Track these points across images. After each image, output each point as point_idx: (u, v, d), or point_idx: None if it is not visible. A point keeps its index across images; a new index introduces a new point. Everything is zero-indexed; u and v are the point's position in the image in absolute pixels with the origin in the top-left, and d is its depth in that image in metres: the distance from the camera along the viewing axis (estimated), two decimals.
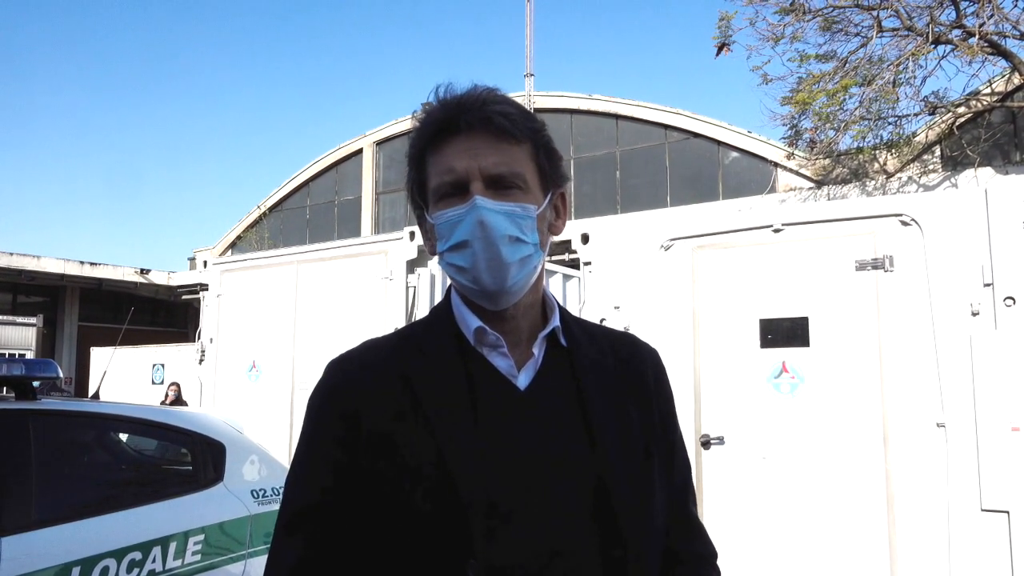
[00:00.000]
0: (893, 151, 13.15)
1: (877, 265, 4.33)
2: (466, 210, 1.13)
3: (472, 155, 1.13)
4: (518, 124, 1.15)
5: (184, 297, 20.70)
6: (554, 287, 6.83)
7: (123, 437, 3.99)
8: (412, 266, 6.32)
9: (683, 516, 1.29)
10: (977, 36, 11.16)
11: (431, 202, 1.19)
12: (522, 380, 1.18)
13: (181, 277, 20.98)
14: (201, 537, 3.30)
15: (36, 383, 3.34)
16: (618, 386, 1.23)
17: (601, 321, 4.60)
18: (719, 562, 1.35)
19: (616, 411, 1.19)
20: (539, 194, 1.19)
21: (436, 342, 1.20)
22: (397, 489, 1.10)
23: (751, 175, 16.03)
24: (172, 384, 12.08)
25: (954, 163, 13.50)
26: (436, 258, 1.23)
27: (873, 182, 13.74)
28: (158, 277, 21.03)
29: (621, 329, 1.39)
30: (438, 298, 7.02)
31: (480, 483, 1.08)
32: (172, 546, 3.18)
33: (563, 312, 1.29)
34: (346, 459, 1.14)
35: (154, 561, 3.10)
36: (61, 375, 3.47)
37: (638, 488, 1.16)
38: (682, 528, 1.28)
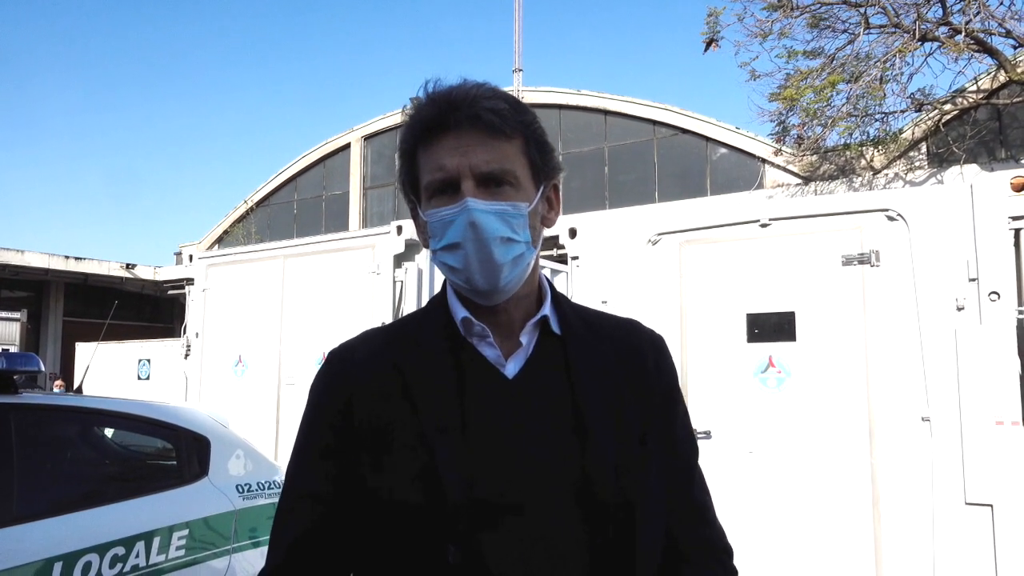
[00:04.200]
0: (880, 147, 13.22)
1: (863, 260, 4.34)
2: (458, 211, 1.13)
3: (462, 153, 1.14)
4: (508, 120, 1.15)
5: (170, 292, 20.57)
6: None
7: (107, 432, 3.96)
8: (399, 260, 6.29)
9: (687, 503, 1.27)
10: (963, 33, 11.22)
11: (423, 198, 1.20)
12: (511, 368, 1.19)
13: (167, 272, 20.86)
14: (185, 532, 3.27)
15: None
16: (614, 372, 1.22)
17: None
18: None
19: (609, 398, 1.19)
20: (531, 189, 1.20)
21: (429, 332, 1.22)
22: (384, 475, 1.13)
23: (739, 171, 16.08)
24: (58, 380, 11.54)
25: (940, 160, 13.58)
26: (428, 252, 1.25)
27: (860, 178, 13.81)
28: (144, 272, 20.90)
29: (623, 315, 1.37)
30: (425, 292, 6.99)
31: (463, 470, 1.09)
32: (156, 541, 3.15)
33: (559, 299, 1.28)
34: (340, 446, 1.18)
35: (137, 556, 3.07)
36: (43, 369, 3.43)
37: (628, 475, 1.15)
38: (685, 515, 1.26)
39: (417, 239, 6.37)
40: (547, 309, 1.24)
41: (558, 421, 1.16)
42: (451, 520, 1.08)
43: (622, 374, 1.23)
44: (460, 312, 1.20)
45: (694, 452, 1.33)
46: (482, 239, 1.13)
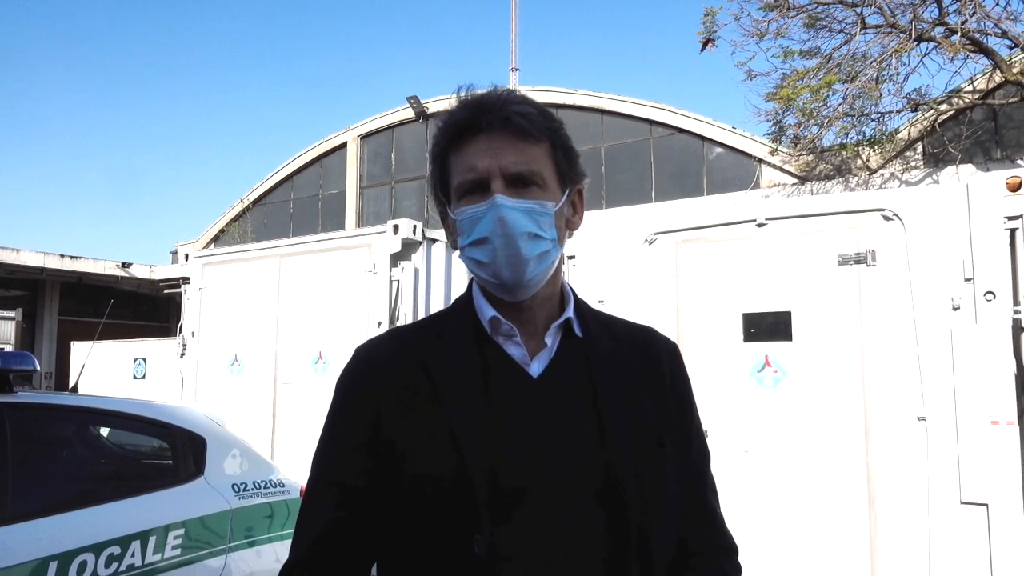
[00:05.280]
0: (876, 147, 13.21)
1: (860, 260, 4.35)
2: (487, 207, 1.18)
3: (492, 154, 1.19)
4: (536, 124, 1.21)
5: (166, 291, 20.50)
6: None
7: (103, 431, 3.95)
8: (395, 260, 6.29)
9: (699, 506, 1.32)
10: (959, 34, 11.22)
11: (453, 199, 1.25)
12: (535, 368, 1.23)
13: (163, 271, 20.79)
14: (181, 531, 3.27)
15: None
16: (633, 376, 1.27)
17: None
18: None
19: (629, 400, 1.23)
20: (557, 191, 1.25)
21: (455, 330, 1.27)
22: (413, 468, 1.17)
23: (735, 171, 16.08)
24: None
25: (936, 160, 13.59)
26: (458, 252, 1.28)
27: (856, 178, 13.82)
28: (140, 271, 20.82)
29: (641, 323, 1.43)
30: (421, 292, 6.96)
31: (489, 464, 1.13)
32: (152, 540, 3.15)
33: (580, 304, 1.33)
34: (369, 439, 1.22)
35: (133, 556, 3.07)
36: (38, 368, 3.42)
37: (647, 475, 1.19)
38: (697, 518, 1.31)
39: (414, 238, 6.37)
40: (571, 312, 1.28)
41: (580, 420, 1.20)
42: (477, 513, 1.11)
43: (640, 379, 1.27)
44: (488, 312, 1.25)
45: (707, 460, 1.38)
46: (510, 234, 1.17)
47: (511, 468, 1.14)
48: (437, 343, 1.25)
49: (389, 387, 1.22)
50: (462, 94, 1.24)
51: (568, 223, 1.29)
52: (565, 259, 5.26)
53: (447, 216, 1.28)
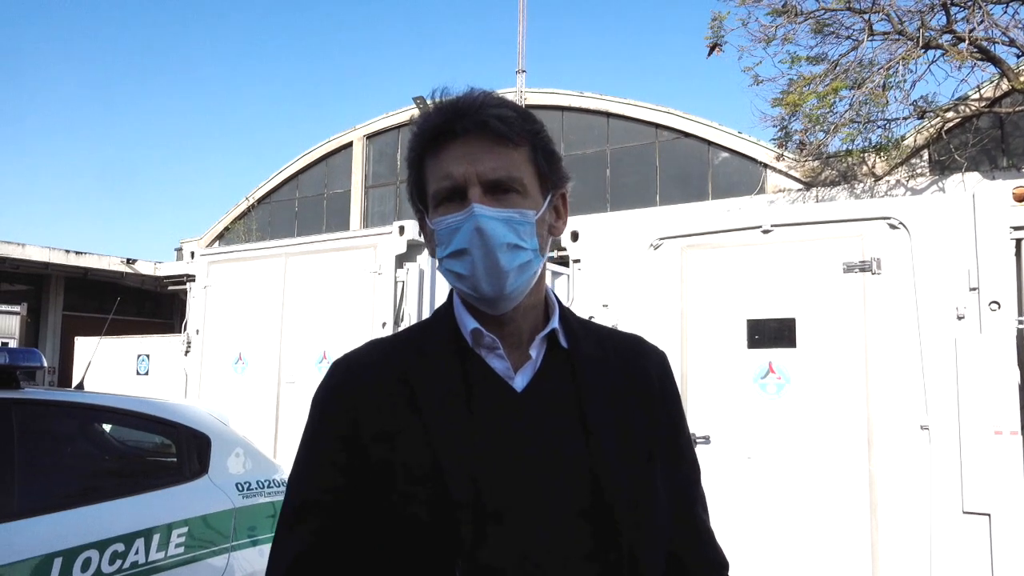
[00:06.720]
0: (882, 154, 13.19)
1: (865, 267, 4.35)
2: (464, 217, 1.13)
3: (469, 160, 1.13)
4: (515, 127, 1.15)
5: (171, 288, 20.54)
6: None
7: (107, 428, 3.96)
8: (401, 261, 6.29)
9: (689, 521, 1.28)
10: (967, 41, 11.22)
11: (431, 207, 1.20)
12: (519, 382, 1.18)
13: (168, 268, 20.81)
14: (185, 529, 3.28)
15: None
16: (621, 388, 1.22)
17: (590, 319, 4.62)
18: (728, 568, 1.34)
19: (617, 413, 1.18)
20: (538, 197, 1.19)
21: (436, 343, 1.21)
22: (392, 488, 1.11)
23: (740, 176, 16.06)
24: None
25: (942, 167, 13.57)
26: (435, 260, 1.23)
27: (861, 185, 13.80)
28: (144, 267, 20.85)
29: (629, 331, 1.39)
30: (426, 293, 6.95)
31: (471, 483, 1.08)
32: (155, 538, 3.16)
33: (566, 313, 1.28)
34: (347, 457, 1.16)
35: (137, 553, 3.08)
36: (45, 364, 3.44)
37: (636, 490, 1.15)
38: (688, 533, 1.27)
39: (419, 239, 6.37)
40: (555, 322, 1.23)
41: (567, 435, 1.15)
42: (460, 536, 1.06)
43: (629, 391, 1.23)
44: (470, 323, 1.19)
45: (697, 472, 1.34)
46: (489, 245, 1.12)
47: (495, 488, 1.09)
48: (417, 357, 1.19)
49: (368, 402, 1.16)
50: (437, 96, 1.19)
51: (551, 229, 1.24)
52: (571, 263, 5.28)
53: (426, 224, 1.23)
